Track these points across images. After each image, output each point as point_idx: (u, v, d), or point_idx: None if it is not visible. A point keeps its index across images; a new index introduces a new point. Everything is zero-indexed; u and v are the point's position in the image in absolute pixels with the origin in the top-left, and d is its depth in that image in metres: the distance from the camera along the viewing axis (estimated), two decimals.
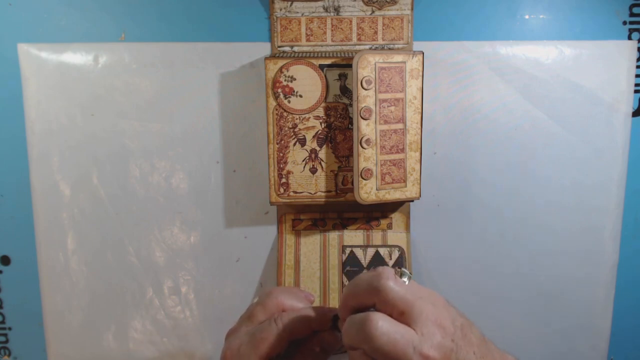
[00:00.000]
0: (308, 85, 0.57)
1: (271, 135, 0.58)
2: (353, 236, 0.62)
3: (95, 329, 0.64)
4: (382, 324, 0.34)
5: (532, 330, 0.65)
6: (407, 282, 0.38)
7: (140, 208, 0.62)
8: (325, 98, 0.58)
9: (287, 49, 0.60)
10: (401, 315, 0.36)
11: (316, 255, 0.61)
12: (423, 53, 0.56)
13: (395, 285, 0.36)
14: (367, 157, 0.56)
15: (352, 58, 0.55)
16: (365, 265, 0.61)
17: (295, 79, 0.57)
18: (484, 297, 0.64)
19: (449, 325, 0.37)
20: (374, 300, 0.36)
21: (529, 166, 0.62)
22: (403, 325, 0.35)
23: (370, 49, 0.60)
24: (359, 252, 0.62)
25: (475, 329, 0.39)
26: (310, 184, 0.59)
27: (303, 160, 0.59)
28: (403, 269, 0.39)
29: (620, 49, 0.60)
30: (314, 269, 0.61)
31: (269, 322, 0.41)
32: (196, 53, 0.60)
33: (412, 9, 0.59)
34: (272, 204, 0.59)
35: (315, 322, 0.41)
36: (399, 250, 0.61)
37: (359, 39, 0.60)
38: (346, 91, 0.58)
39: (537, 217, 0.63)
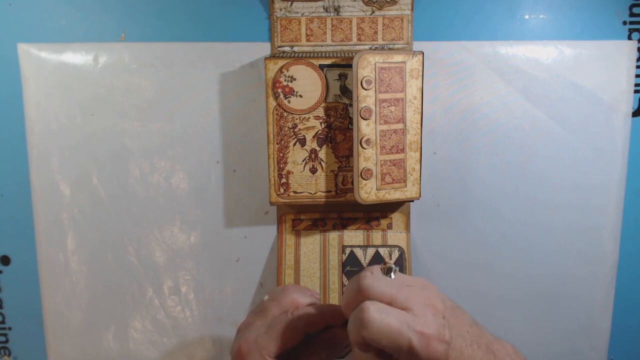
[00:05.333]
0: (308, 85, 0.57)
1: (271, 135, 0.58)
2: (353, 236, 0.62)
3: (95, 329, 0.64)
4: (374, 309, 0.36)
5: (532, 330, 0.65)
6: (393, 276, 0.39)
7: (140, 208, 0.62)
8: (325, 98, 0.58)
9: (287, 49, 0.60)
10: (389, 305, 0.38)
11: (316, 255, 0.61)
12: (423, 53, 0.56)
13: (374, 281, 0.38)
14: (367, 157, 0.56)
15: (352, 58, 0.55)
16: (365, 266, 0.61)
17: (295, 79, 0.57)
18: (484, 297, 0.64)
19: (439, 304, 0.39)
20: (361, 300, 0.38)
21: (529, 166, 0.62)
22: (395, 308, 0.37)
23: (370, 49, 0.60)
24: (359, 252, 0.62)
25: (466, 314, 0.41)
26: (310, 184, 0.59)
27: (303, 160, 0.59)
28: (389, 265, 0.40)
29: (620, 49, 0.60)
30: (314, 269, 0.61)
31: (285, 315, 0.42)
32: (196, 53, 0.60)
33: (412, 9, 0.59)
34: (272, 204, 0.59)
35: (330, 316, 0.43)
36: (399, 250, 0.61)
37: (359, 39, 0.60)
38: (346, 91, 0.58)
39: (537, 217, 0.63)
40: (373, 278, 0.39)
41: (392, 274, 0.39)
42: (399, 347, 0.36)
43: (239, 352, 0.41)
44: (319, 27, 0.59)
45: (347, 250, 0.62)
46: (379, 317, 0.36)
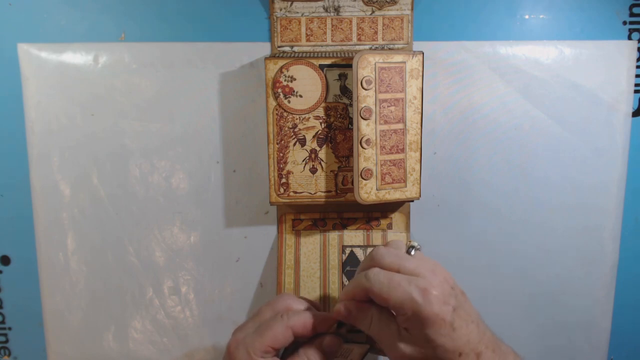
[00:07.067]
0: (308, 85, 0.57)
1: (271, 135, 0.58)
2: (353, 236, 0.62)
3: (95, 329, 0.64)
4: (379, 270, 0.41)
5: (532, 330, 0.65)
6: (413, 253, 0.44)
7: (140, 208, 0.62)
8: (325, 98, 0.58)
9: (287, 49, 0.60)
10: (397, 272, 0.42)
11: (316, 255, 0.61)
12: (423, 53, 0.56)
13: (386, 251, 0.43)
14: (367, 157, 0.56)
15: (352, 58, 0.55)
16: None
17: (295, 79, 0.57)
18: (484, 297, 0.64)
19: (448, 278, 0.42)
20: (371, 266, 0.43)
21: (529, 166, 0.62)
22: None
23: (370, 49, 0.60)
24: (359, 252, 0.62)
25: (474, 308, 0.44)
26: (310, 184, 0.59)
27: (303, 160, 0.59)
28: (411, 243, 0.45)
29: (620, 49, 0.60)
30: (314, 269, 0.61)
31: (274, 316, 0.44)
32: (196, 53, 0.60)
33: (412, 9, 0.59)
34: (272, 204, 0.59)
35: (319, 322, 0.44)
36: None
37: (359, 39, 0.60)
38: (346, 91, 0.58)
39: (537, 217, 0.63)
40: (386, 249, 0.43)
41: (412, 251, 0.44)
42: (401, 302, 0.38)
43: (227, 350, 0.43)
44: (319, 27, 0.59)
45: (347, 250, 0.62)
46: (383, 273, 0.40)
